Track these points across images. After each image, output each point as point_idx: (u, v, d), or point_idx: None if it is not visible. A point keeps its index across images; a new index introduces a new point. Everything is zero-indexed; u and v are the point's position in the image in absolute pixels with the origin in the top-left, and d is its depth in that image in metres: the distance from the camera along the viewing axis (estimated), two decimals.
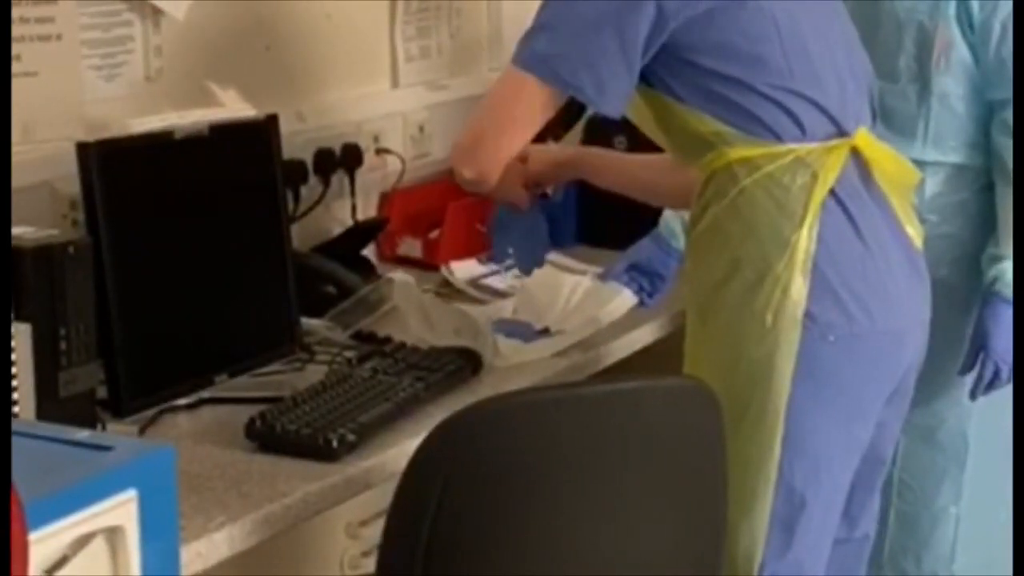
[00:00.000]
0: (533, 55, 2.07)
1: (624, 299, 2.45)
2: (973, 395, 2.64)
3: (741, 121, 2.08)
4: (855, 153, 2.12)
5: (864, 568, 2.36)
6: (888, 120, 2.46)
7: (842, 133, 2.12)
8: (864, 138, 2.13)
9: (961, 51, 2.60)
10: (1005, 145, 2.58)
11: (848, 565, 2.31)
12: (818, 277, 2.07)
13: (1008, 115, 2.57)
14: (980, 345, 2.60)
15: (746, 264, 2.09)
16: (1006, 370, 2.58)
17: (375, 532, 1.79)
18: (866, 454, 2.20)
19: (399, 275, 2.53)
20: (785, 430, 2.08)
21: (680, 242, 2.60)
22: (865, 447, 2.19)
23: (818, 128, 2.10)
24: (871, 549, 2.39)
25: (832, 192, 2.09)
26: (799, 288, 2.06)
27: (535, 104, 2.08)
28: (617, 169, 2.44)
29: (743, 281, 2.09)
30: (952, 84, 2.62)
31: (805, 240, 2.06)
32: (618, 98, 2.06)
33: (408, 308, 2.40)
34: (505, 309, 2.52)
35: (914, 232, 2.20)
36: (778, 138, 2.08)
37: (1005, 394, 2.71)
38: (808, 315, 2.06)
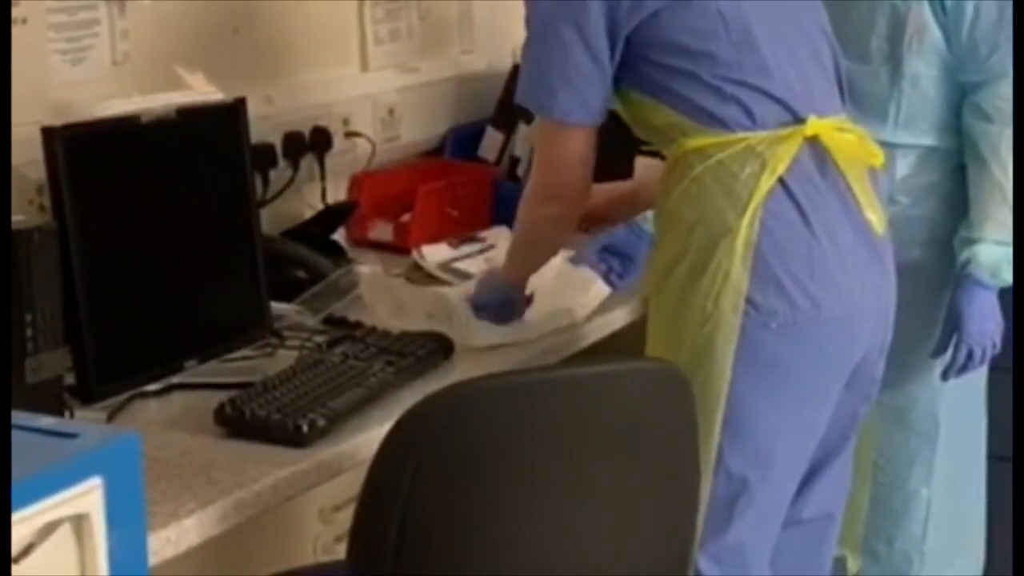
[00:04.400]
0: (521, 93, 2.19)
1: (598, 290, 2.45)
2: (945, 376, 2.64)
3: (691, 112, 2.12)
4: (813, 141, 2.14)
5: (832, 546, 2.37)
6: (859, 102, 2.46)
7: (798, 121, 2.14)
8: (820, 125, 2.14)
9: (933, 33, 2.60)
10: (976, 127, 2.58)
11: (812, 544, 2.32)
12: (761, 265, 2.09)
13: (979, 98, 2.58)
14: (954, 327, 2.61)
15: (693, 249, 2.12)
16: (979, 352, 2.59)
17: (349, 517, 1.78)
18: (824, 436, 2.21)
19: (364, 268, 2.52)
20: (726, 415, 2.10)
21: (652, 225, 2.60)
22: (821, 432, 2.20)
23: (769, 117, 2.12)
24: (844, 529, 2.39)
25: (781, 181, 2.11)
26: (739, 275, 2.08)
27: (550, 137, 2.19)
28: None
29: (689, 266, 2.12)
30: (924, 66, 2.62)
31: (747, 227, 2.09)
32: (600, 106, 2.15)
33: (376, 299, 2.39)
34: (456, 291, 2.51)
35: (876, 218, 2.20)
36: (727, 127, 2.11)
37: (976, 376, 2.72)
38: (750, 302, 2.09)
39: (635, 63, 2.13)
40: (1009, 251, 2.56)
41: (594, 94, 2.14)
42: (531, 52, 2.18)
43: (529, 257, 2.33)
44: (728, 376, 2.09)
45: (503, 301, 2.33)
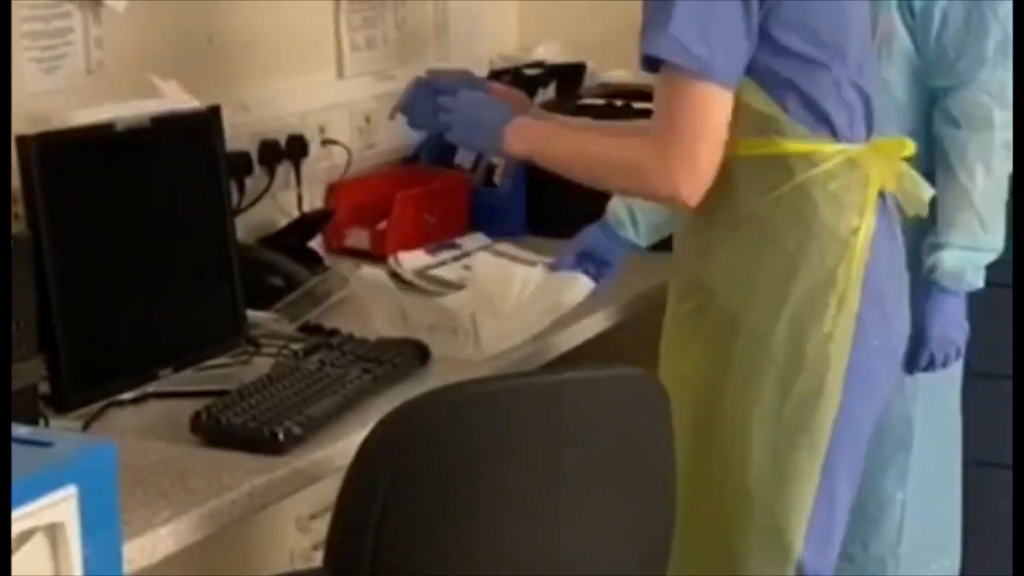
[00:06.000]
0: (671, 44, 1.96)
1: (583, 284, 2.45)
2: (909, 370, 2.62)
3: (802, 109, 2.03)
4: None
5: None
6: None
7: (869, 139, 2.12)
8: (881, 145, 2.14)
9: (902, 38, 2.61)
10: (945, 133, 2.59)
11: None
12: (869, 280, 2.08)
13: (948, 103, 2.58)
14: (918, 332, 2.61)
15: (804, 263, 2.06)
16: (941, 357, 2.59)
17: (325, 525, 1.78)
18: None
19: (367, 270, 2.50)
20: (834, 429, 2.08)
21: (627, 231, 2.59)
22: None
23: (861, 131, 2.09)
24: None
25: (880, 194, 2.10)
26: (855, 290, 2.06)
27: (695, 98, 1.97)
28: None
29: (804, 281, 2.06)
30: (893, 72, 2.62)
31: (862, 243, 2.07)
32: (738, 67, 2.00)
33: (377, 307, 2.37)
34: (457, 302, 2.50)
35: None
36: (833, 134, 2.05)
37: (951, 379, 2.73)
38: (858, 317, 2.07)
39: (762, 44, 2.00)
40: (976, 256, 2.56)
41: (740, 58, 1.98)
42: (684, 2, 1.95)
43: (570, 172, 2.13)
44: (840, 390, 2.07)
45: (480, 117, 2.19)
